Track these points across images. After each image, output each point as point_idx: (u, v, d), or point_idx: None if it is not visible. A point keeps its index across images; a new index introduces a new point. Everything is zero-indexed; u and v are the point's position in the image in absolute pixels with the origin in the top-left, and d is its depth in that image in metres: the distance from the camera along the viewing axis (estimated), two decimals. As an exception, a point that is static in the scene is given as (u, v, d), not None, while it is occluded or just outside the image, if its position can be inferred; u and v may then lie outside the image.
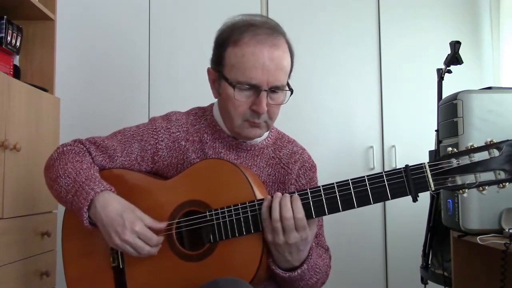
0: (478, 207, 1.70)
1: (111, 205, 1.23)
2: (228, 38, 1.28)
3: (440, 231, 2.14)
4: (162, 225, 1.25)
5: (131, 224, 1.20)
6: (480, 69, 2.89)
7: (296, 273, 1.23)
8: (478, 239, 1.65)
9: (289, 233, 1.16)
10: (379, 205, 2.80)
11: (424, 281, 2.22)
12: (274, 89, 1.26)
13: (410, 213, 2.66)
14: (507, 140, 1.08)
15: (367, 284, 2.80)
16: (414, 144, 2.80)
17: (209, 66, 1.36)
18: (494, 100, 1.76)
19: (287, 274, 1.23)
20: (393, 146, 2.85)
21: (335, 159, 2.84)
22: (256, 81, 1.24)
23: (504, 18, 2.77)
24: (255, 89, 1.25)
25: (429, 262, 2.20)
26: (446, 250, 2.05)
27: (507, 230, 1.64)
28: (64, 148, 1.35)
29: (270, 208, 1.17)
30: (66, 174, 1.28)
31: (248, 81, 1.24)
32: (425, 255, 2.21)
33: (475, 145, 1.09)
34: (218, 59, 1.31)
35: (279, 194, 1.18)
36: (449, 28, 2.90)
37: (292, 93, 1.30)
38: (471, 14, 2.92)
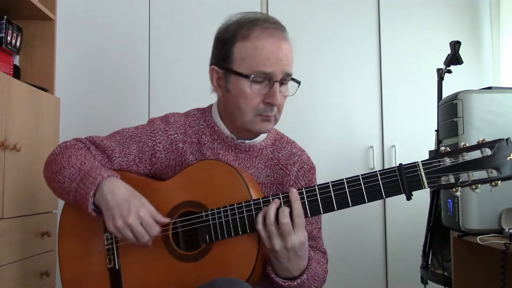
0: (478, 207, 1.70)
1: (119, 190, 1.22)
2: (235, 34, 1.28)
3: (440, 231, 2.14)
4: (165, 218, 1.24)
5: (137, 209, 1.20)
6: (480, 69, 2.89)
7: (295, 282, 1.22)
8: (478, 239, 1.65)
9: (286, 237, 1.15)
10: (379, 205, 2.81)
11: (424, 281, 2.22)
12: (285, 80, 1.28)
13: (410, 213, 2.66)
14: (499, 140, 1.09)
15: (367, 284, 2.80)
16: (414, 144, 2.80)
17: (211, 65, 1.35)
18: (494, 100, 1.76)
19: (287, 283, 1.22)
20: (393, 146, 2.85)
21: (335, 159, 2.84)
22: (271, 69, 1.25)
23: (504, 18, 2.77)
24: (269, 80, 1.26)
25: (429, 262, 2.20)
26: (446, 250, 2.05)
27: (507, 230, 1.64)
28: (67, 143, 1.35)
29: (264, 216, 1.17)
30: (70, 165, 1.27)
31: (263, 70, 1.25)
32: (425, 255, 2.21)
33: (468, 144, 1.10)
34: (224, 56, 1.30)
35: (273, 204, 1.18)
36: (449, 28, 2.90)
37: (299, 84, 1.31)
38: (471, 14, 2.92)
